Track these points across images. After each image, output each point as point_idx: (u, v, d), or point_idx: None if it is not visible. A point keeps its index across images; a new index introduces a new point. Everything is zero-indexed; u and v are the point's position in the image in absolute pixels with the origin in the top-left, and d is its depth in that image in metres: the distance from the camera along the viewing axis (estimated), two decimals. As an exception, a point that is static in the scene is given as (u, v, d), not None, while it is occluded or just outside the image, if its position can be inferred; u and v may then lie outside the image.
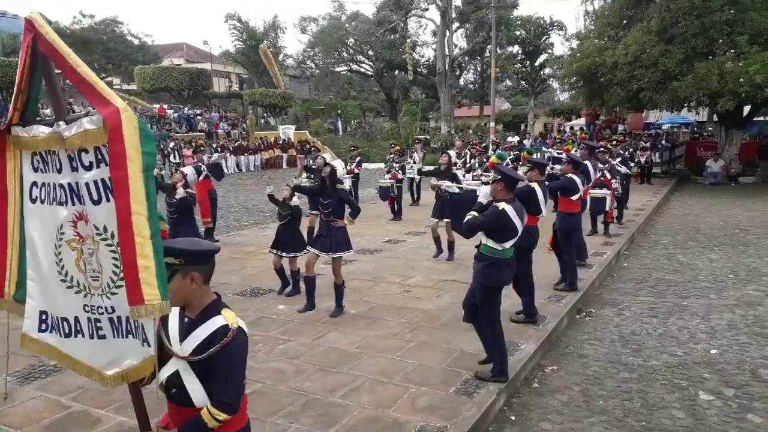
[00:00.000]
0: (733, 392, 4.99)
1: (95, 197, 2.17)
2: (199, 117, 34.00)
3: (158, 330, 2.41)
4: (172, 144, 26.34)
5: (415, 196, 16.16)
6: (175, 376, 2.34)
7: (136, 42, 48.21)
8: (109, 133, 2.04)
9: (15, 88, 2.33)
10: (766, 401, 4.82)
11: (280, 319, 6.54)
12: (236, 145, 29.94)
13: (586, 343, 6.26)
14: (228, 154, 27.36)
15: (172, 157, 25.10)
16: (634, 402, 4.84)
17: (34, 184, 2.40)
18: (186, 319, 2.38)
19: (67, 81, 2.19)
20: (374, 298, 7.30)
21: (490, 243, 4.91)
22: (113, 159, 2.07)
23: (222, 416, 2.25)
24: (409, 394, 4.68)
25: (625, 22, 21.84)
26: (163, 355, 2.39)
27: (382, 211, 14.39)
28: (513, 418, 4.60)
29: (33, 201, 2.41)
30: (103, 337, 2.32)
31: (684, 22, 19.02)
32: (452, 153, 10.78)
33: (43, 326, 2.47)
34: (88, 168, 2.16)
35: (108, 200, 2.14)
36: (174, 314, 2.41)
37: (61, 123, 2.18)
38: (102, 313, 2.29)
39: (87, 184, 2.17)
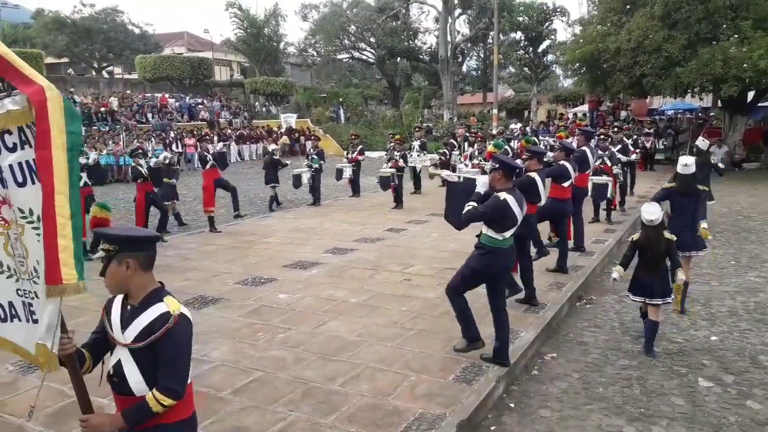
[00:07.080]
0: (732, 379, 5.00)
1: (20, 179, 2.13)
2: (200, 106, 33.91)
3: (102, 317, 2.43)
4: (173, 133, 26.31)
5: (417, 184, 16.17)
6: (118, 366, 2.38)
7: (136, 31, 47.96)
8: (35, 112, 2.00)
9: None
10: (765, 388, 4.83)
11: (280, 308, 6.55)
12: (238, 134, 29.90)
13: (586, 330, 6.27)
14: (231, 143, 27.37)
15: (174, 146, 25.10)
16: (633, 389, 4.85)
17: None
18: (129, 307, 2.39)
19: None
20: (375, 287, 7.31)
21: (491, 233, 4.87)
22: (38, 138, 2.03)
23: (167, 401, 2.28)
24: (408, 381, 4.70)
25: (628, 7, 21.66)
26: (110, 344, 2.42)
27: (383, 199, 14.39)
28: (512, 405, 4.62)
29: None
30: (36, 321, 2.29)
31: (687, 7, 18.86)
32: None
33: None
34: (12, 150, 2.11)
35: (33, 182, 2.10)
36: (117, 302, 2.43)
37: None
38: (32, 298, 2.26)
39: (11, 167, 2.12)
